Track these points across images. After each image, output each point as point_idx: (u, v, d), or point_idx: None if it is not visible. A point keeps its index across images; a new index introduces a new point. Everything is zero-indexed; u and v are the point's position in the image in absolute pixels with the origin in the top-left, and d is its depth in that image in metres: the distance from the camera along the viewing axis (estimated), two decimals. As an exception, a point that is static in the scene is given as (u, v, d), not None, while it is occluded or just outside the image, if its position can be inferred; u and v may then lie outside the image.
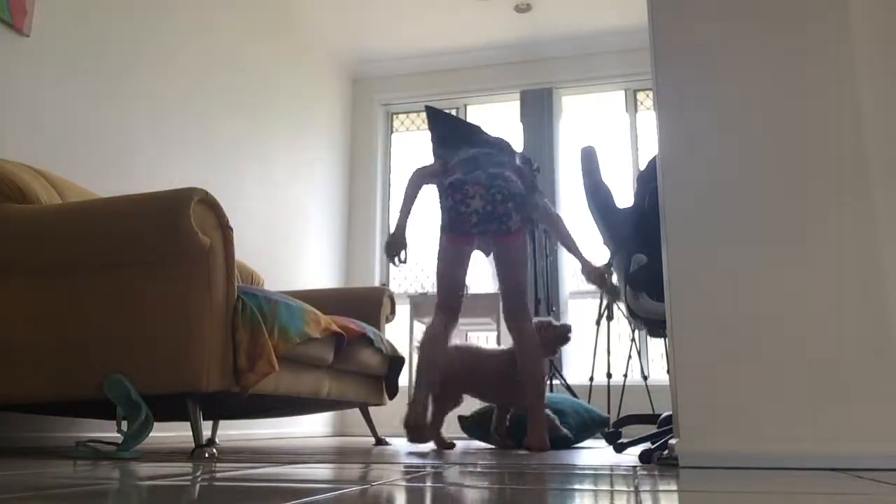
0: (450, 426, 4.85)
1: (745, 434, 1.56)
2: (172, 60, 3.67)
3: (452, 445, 2.67)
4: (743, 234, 1.66)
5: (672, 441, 1.66)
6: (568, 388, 4.12)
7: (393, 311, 3.60)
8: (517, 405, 2.79)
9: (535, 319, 2.80)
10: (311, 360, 2.54)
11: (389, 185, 5.91)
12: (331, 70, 5.61)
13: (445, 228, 2.74)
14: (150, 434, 2.02)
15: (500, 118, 5.83)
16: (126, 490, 1.08)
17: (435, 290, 2.88)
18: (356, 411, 3.31)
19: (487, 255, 2.94)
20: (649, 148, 5.40)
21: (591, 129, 5.61)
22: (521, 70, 5.66)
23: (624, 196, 4.97)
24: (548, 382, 4.18)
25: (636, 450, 2.36)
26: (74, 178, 2.93)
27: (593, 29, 5.40)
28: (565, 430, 2.80)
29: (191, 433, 2.10)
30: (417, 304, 3.92)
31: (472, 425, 3.02)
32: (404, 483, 1.21)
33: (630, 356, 4.54)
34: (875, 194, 1.61)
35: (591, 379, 4.39)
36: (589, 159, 2.55)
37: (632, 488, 1.14)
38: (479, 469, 1.55)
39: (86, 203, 2.19)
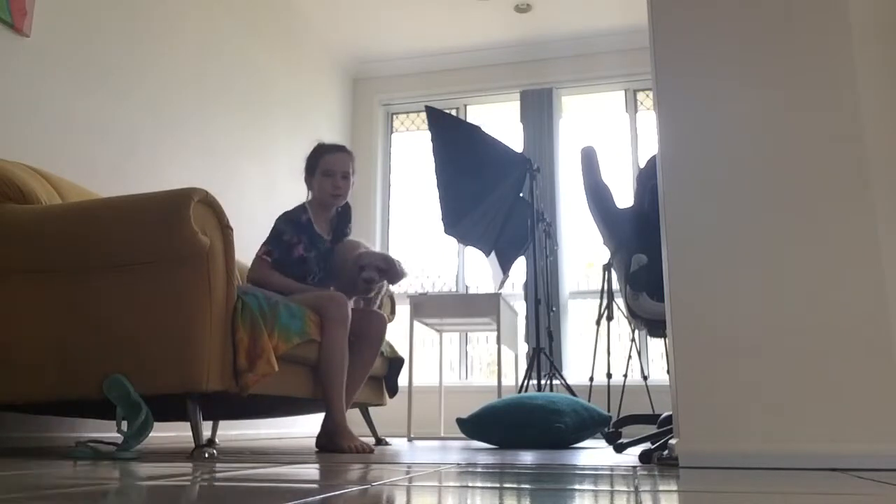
0: (449, 427, 4.86)
1: (745, 434, 1.56)
2: (172, 60, 3.67)
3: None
4: (743, 233, 1.66)
5: (672, 441, 1.66)
6: (568, 387, 4.12)
7: (393, 312, 3.60)
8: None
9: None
10: (311, 361, 2.53)
11: (389, 185, 5.91)
12: (331, 70, 5.61)
13: None
14: (150, 434, 2.02)
15: (500, 118, 5.84)
16: (126, 490, 1.08)
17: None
18: (356, 411, 3.31)
19: (488, 255, 2.94)
20: (649, 148, 5.40)
21: (591, 129, 5.61)
22: (521, 70, 5.66)
23: (624, 196, 4.97)
24: (547, 382, 4.18)
25: (636, 450, 2.36)
26: (74, 178, 2.93)
27: (593, 29, 5.40)
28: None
29: (191, 433, 2.10)
30: (418, 305, 3.91)
31: (470, 426, 3.02)
32: (405, 483, 1.21)
33: (630, 356, 4.53)
34: (875, 194, 1.61)
35: (591, 379, 4.39)
36: (589, 159, 2.55)
37: (632, 488, 1.14)
38: (479, 469, 1.55)
39: (86, 203, 2.19)
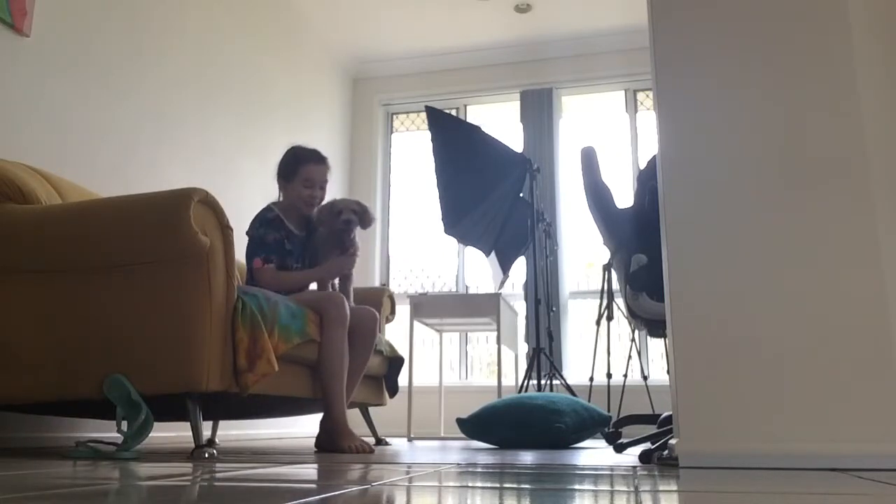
0: (449, 427, 4.86)
1: (745, 434, 1.56)
2: (172, 61, 3.67)
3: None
4: (743, 233, 1.66)
5: (672, 441, 1.66)
6: (568, 387, 4.12)
7: (393, 312, 3.60)
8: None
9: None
10: (311, 361, 2.53)
11: (389, 185, 5.91)
12: (331, 70, 5.61)
13: None
14: (150, 434, 2.02)
15: (500, 118, 5.84)
16: (126, 490, 1.08)
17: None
18: (356, 411, 3.31)
19: (488, 255, 2.92)
20: (649, 148, 5.40)
21: (591, 129, 5.61)
22: (521, 70, 5.66)
23: (624, 196, 4.97)
24: (547, 382, 4.18)
25: (636, 450, 2.36)
26: (74, 178, 2.93)
27: (593, 29, 5.40)
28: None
29: (191, 433, 2.10)
30: (418, 305, 3.91)
31: (470, 426, 3.02)
32: (405, 483, 1.21)
33: (630, 356, 4.54)
34: (875, 194, 1.61)
35: (591, 379, 4.39)
36: (589, 159, 2.55)
37: (632, 488, 1.14)
38: (479, 469, 1.55)
39: (86, 203, 2.19)
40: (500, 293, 3.94)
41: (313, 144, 2.95)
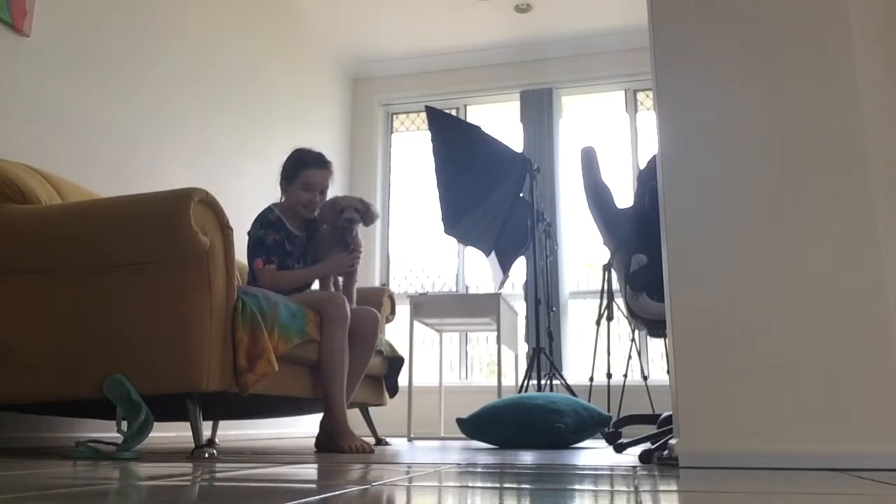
0: (449, 427, 4.86)
1: (745, 434, 1.56)
2: (172, 61, 3.67)
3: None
4: (743, 234, 1.66)
5: (672, 441, 1.66)
6: (568, 387, 4.12)
7: (393, 312, 3.60)
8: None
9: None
10: (311, 361, 2.53)
11: (389, 185, 5.91)
12: (331, 70, 5.61)
13: None
14: (150, 434, 2.02)
15: (500, 118, 5.83)
16: (126, 490, 1.08)
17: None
18: (356, 411, 3.31)
19: (488, 255, 2.92)
20: (649, 148, 5.40)
21: (591, 129, 5.61)
22: (521, 70, 5.66)
23: (624, 196, 4.97)
24: (547, 382, 4.18)
25: (636, 450, 2.36)
26: (74, 178, 2.93)
27: (593, 29, 5.40)
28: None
29: (191, 433, 2.10)
30: (418, 305, 3.91)
31: (470, 426, 3.02)
32: (405, 483, 1.21)
33: (630, 356, 4.53)
34: (876, 194, 1.61)
35: (591, 379, 4.38)
36: (589, 159, 2.55)
37: (632, 488, 1.14)
38: (479, 469, 1.55)
39: (86, 203, 2.19)
40: (500, 293, 3.94)
41: (313, 144, 2.95)
